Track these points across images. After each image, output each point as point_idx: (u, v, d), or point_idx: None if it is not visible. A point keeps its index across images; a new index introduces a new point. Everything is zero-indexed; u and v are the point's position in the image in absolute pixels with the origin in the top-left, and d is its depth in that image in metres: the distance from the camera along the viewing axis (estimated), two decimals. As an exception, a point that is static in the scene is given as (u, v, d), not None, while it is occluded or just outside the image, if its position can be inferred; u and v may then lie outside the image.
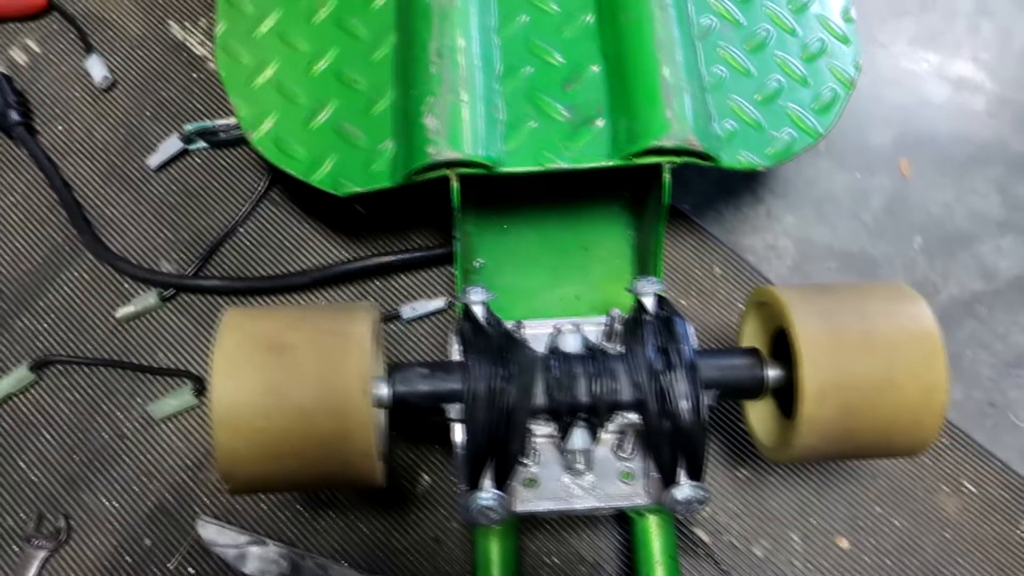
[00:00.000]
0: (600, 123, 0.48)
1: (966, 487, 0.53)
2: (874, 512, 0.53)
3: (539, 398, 0.40)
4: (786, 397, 0.42)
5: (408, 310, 0.56)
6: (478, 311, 0.43)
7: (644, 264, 0.52)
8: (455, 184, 0.46)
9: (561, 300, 0.53)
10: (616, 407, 0.41)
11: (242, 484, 0.39)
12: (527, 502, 0.44)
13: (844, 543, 0.52)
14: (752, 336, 0.47)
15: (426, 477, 0.53)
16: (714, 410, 0.55)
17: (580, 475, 0.44)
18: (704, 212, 0.60)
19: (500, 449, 0.40)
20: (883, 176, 0.61)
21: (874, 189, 0.61)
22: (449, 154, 0.46)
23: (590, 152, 0.48)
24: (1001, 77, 0.65)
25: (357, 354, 0.38)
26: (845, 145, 0.62)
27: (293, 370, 0.37)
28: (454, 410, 0.40)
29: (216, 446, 0.37)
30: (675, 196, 0.59)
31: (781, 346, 0.43)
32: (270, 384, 0.37)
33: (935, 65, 0.65)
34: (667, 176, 0.47)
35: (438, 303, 0.56)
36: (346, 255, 0.58)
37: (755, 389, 0.43)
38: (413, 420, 0.53)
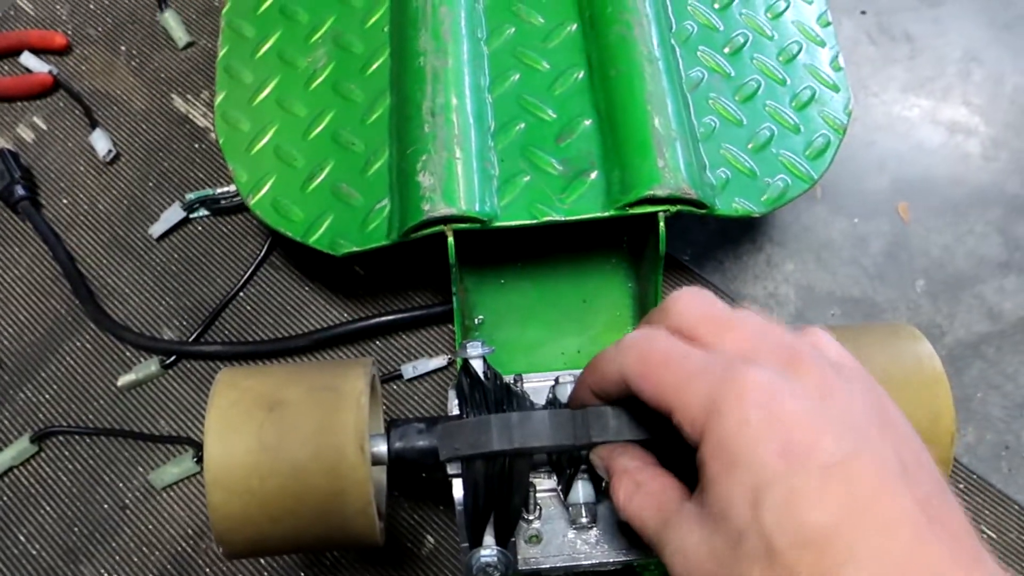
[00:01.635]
0: (593, 175, 0.49)
1: (985, 533, 0.52)
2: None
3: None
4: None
5: (409, 369, 0.56)
6: (476, 365, 0.42)
7: (644, 315, 0.52)
8: (451, 240, 0.46)
9: (563, 354, 0.53)
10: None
11: (238, 547, 0.38)
12: (531, 559, 0.42)
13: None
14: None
15: (430, 538, 0.52)
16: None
17: (585, 530, 0.43)
18: (704, 262, 0.60)
19: (501, 504, 0.39)
20: (881, 221, 0.61)
21: (873, 234, 0.61)
22: (444, 210, 0.46)
23: (584, 204, 0.48)
24: (994, 120, 0.65)
25: (353, 410, 0.37)
26: (842, 192, 0.62)
27: (287, 427, 0.37)
28: (452, 465, 0.40)
29: (210, 508, 0.36)
30: (675, 246, 0.59)
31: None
32: (264, 442, 0.37)
33: (927, 110, 0.65)
34: (662, 225, 0.47)
35: (439, 361, 0.56)
36: (347, 316, 0.58)
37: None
38: (415, 478, 0.53)
